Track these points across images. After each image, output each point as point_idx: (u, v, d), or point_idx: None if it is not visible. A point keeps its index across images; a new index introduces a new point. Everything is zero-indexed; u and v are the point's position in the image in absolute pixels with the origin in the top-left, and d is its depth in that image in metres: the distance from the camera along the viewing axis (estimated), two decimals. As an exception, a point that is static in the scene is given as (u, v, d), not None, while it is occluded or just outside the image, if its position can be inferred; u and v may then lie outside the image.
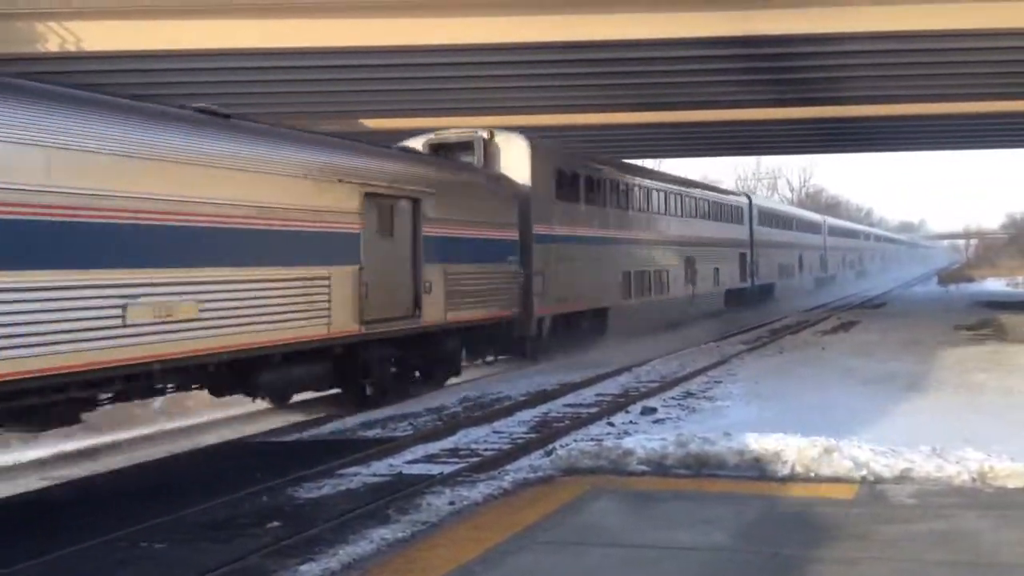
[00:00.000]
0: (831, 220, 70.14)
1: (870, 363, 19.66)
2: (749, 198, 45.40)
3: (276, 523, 9.32)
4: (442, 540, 8.24)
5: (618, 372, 20.12)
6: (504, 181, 21.04)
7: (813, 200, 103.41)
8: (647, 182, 30.52)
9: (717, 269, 36.64)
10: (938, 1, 20.50)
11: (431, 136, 21.73)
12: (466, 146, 21.47)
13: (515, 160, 21.64)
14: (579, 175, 24.86)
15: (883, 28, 21.16)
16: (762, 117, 33.68)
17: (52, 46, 19.79)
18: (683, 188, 34.59)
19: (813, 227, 59.58)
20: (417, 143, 21.28)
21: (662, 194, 31.41)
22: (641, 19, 21.01)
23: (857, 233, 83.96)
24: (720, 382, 18.69)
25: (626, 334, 25.52)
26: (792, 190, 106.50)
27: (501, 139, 21.74)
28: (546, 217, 22.50)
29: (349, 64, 22.68)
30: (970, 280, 67.98)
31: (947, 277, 71.08)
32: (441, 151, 21.27)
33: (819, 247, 60.46)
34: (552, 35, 21.25)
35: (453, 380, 18.75)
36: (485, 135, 21.60)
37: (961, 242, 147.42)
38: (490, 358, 20.74)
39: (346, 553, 8.08)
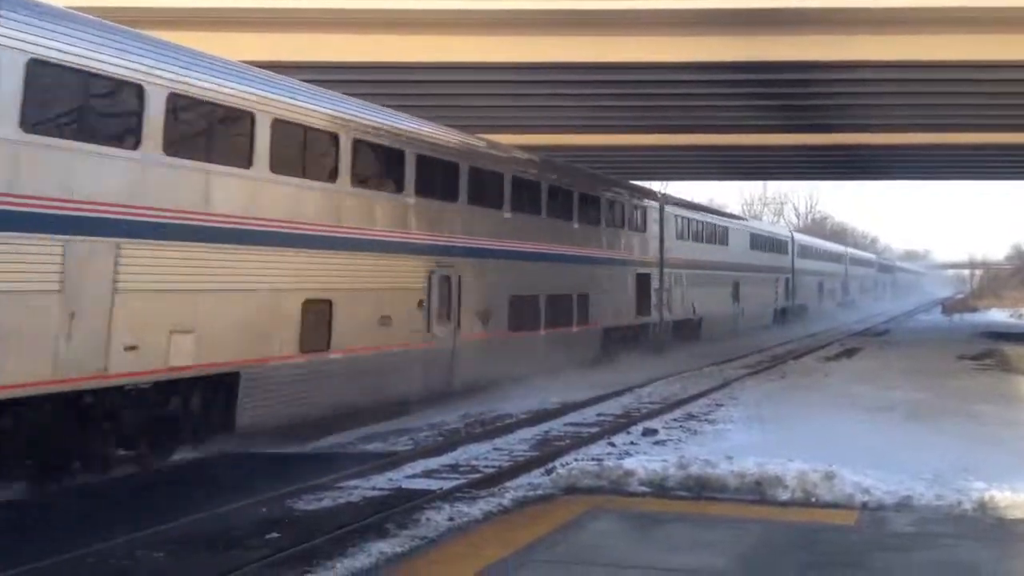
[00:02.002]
0: (851, 251, 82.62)
1: (872, 390, 19.61)
2: (792, 234, 56.92)
3: (275, 534, 9.32)
4: (440, 556, 8.23)
5: (619, 393, 20.09)
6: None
7: (818, 227, 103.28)
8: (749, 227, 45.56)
9: (773, 289, 48.14)
10: (948, 32, 20.55)
11: None
12: None
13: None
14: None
15: (893, 58, 21.19)
16: (770, 143, 33.73)
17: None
18: (756, 228, 47.48)
19: (838, 258, 71.98)
20: None
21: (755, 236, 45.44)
22: (653, 43, 21.06)
23: (872, 263, 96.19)
24: (722, 405, 18.67)
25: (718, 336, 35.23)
26: (798, 216, 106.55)
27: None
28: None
29: (361, 80, 22.75)
30: (974, 310, 67.85)
31: (951, 307, 70.94)
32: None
33: (841, 275, 72.23)
34: (564, 56, 21.29)
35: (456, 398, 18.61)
36: None
37: (965, 272, 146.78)
38: None
39: (344, 566, 8.07)
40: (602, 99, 26.35)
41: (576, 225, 23.33)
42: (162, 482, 11.55)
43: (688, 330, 32.67)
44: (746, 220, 50.99)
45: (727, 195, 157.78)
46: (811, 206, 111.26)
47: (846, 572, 7.60)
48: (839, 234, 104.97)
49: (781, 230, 57.23)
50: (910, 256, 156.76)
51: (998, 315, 62.53)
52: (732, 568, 7.70)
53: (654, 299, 28.99)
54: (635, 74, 23.10)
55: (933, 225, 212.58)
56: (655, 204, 30.60)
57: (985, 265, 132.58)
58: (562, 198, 22.84)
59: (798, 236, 58.60)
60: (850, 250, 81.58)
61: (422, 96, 24.86)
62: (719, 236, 40.59)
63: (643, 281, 28.10)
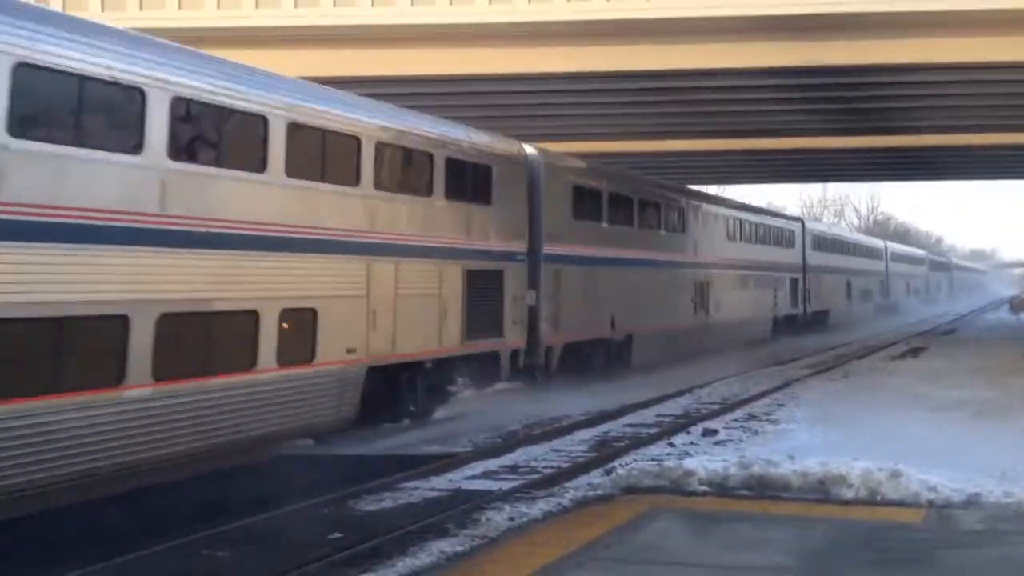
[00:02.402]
0: (931, 256, 76.89)
1: (938, 389, 19.29)
2: (802, 221, 45.79)
3: (337, 534, 9.37)
4: (501, 555, 8.23)
5: (680, 393, 19.97)
6: None
7: (881, 228, 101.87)
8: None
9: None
10: (1002, 34, 20.27)
11: None
12: None
13: None
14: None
15: (947, 60, 21.12)
16: (829, 145, 33.46)
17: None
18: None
19: (873, 253, 59.07)
20: None
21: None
22: (708, 50, 21.15)
23: (921, 260, 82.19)
24: (783, 405, 18.47)
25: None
26: (859, 217, 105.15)
27: None
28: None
29: (402, 92, 22.87)
30: (1042, 309, 66.34)
31: (1018, 305, 69.44)
32: None
33: (880, 273, 60.35)
34: (623, 65, 21.46)
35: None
36: None
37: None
38: None
39: (405, 565, 8.11)
40: (659, 106, 26.45)
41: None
42: (224, 482, 11.67)
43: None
44: (855, 233, 43.60)
45: (787, 197, 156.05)
46: (873, 207, 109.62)
47: (913, 569, 7.47)
48: (902, 235, 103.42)
49: (788, 218, 43.27)
50: (976, 256, 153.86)
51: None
52: (796, 566, 7.60)
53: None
54: (691, 80, 23.24)
55: (1000, 224, 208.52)
56: None
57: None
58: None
59: (811, 224, 45.44)
60: (890, 245, 67.36)
61: (476, 107, 25.03)
62: (838, 248, 39.69)
63: None
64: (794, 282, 38.65)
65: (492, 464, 12.86)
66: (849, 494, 9.89)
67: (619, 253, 22.57)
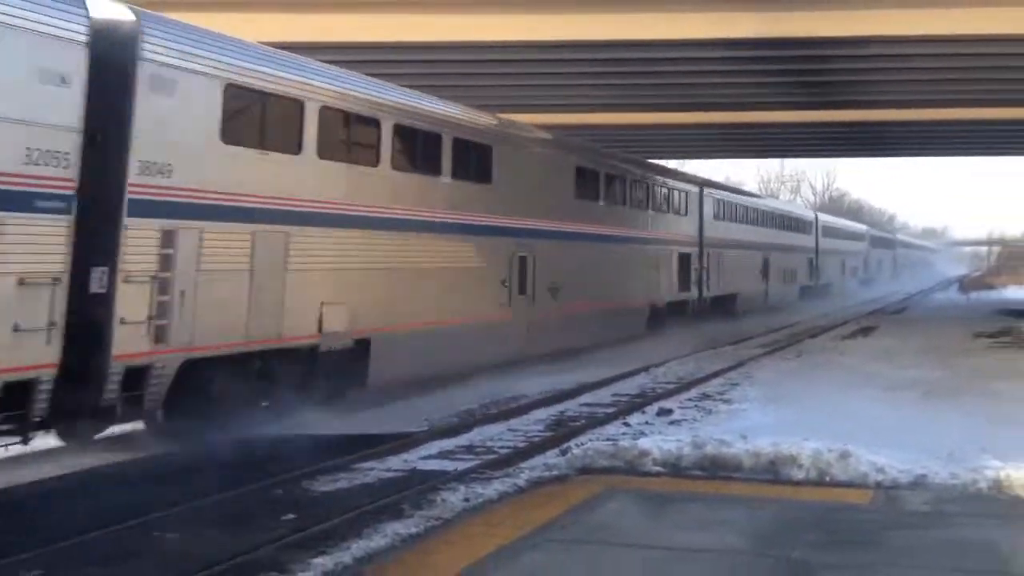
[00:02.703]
0: (872, 231, 78.55)
1: (888, 369, 19.56)
2: (816, 215, 54.73)
3: (291, 515, 9.37)
4: (455, 536, 8.26)
5: (635, 372, 20.08)
6: None
7: (835, 204, 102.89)
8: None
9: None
10: (964, 5, 20.38)
11: None
12: None
13: None
14: None
15: (909, 32, 21.04)
16: (786, 120, 33.59)
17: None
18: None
19: (859, 237, 68.02)
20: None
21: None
22: (669, 19, 20.99)
23: (893, 243, 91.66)
24: (737, 384, 18.65)
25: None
26: (815, 193, 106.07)
27: None
28: None
29: (375, 60, 22.73)
30: (991, 288, 67.39)
31: (968, 284, 70.45)
32: None
33: (863, 253, 69.21)
34: (579, 34, 21.27)
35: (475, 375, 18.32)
36: None
37: (983, 249, 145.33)
38: None
39: (359, 547, 8.11)
40: (617, 77, 26.30)
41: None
42: (174, 463, 11.59)
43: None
44: (773, 200, 48.61)
45: (744, 173, 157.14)
46: (828, 184, 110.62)
47: (860, 550, 7.59)
48: (855, 212, 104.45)
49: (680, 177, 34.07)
50: (928, 234, 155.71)
51: (1016, 293, 62.10)
52: (747, 546, 7.70)
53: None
54: (650, 52, 23.03)
55: (952, 203, 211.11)
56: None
57: (1003, 242, 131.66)
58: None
59: (712, 190, 36.98)
60: (823, 217, 59.81)
61: (439, 76, 24.85)
62: (751, 218, 38.69)
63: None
64: (684, 259, 30.71)
65: (448, 444, 12.89)
66: (800, 475, 10.04)
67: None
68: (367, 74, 16.47)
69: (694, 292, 31.31)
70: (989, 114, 32.02)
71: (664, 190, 29.34)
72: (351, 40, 21.22)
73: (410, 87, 17.82)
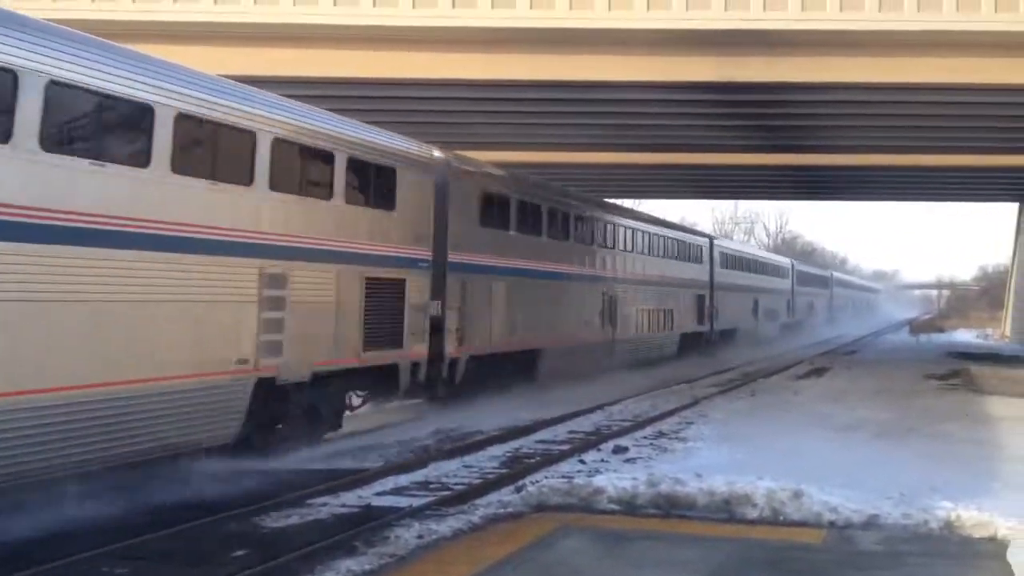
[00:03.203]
0: (836, 274, 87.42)
1: (841, 409, 19.73)
2: (792, 263, 58.87)
3: (241, 551, 9.23)
4: (409, 573, 8.19)
5: (591, 410, 20.09)
6: None
7: (788, 246, 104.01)
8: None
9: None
10: (916, 56, 20.81)
11: None
12: None
13: None
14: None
15: (861, 79, 21.43)
16: (741, 162, 34.07)
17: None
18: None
19: (825, 281, 74.46)
20: None
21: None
22: (624, 62, 21.20)
23: (853, 285, 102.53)
24: (692, 423, 18.72)
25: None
26: (768, 235, 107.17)
27: None
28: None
29: (317, 95, 22.67)
30: (940, 331, 68.40)
31: (918, 327, 71.46)
32: None
33: (828, 295, 75.95)
34: (537, 74, 21.43)
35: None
36: None
37: (933, 292, 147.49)
38: None
39: (312, 584, 8.01)
40: (575, 117, 26.54)
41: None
42: (122, 495, 11.38)
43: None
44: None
45: (698, 214, 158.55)
46: (781, 225, 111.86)
47: (814, 591, 7.63)
48: (808, 254, 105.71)
49: (697, 233, 41.70)
50: (878, 276, 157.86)
51: (965, 335, 63.07)
52: (701, 586, 7.71)
53: None
54: (606, 93, 23.27)
55: (903, 246, 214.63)
56: None
57: (952, 286, 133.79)
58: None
59: (720, 241, 44.95)
60: (835, 273, 69.62)
61: (391, 112, 24.88)
62: (745, 265, 43.19)
63: None
64: (700, 299, 37.08)
65: (403, 480, 12.78)
66: (753, 514, 10.06)
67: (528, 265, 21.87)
68: (328, 110, 16.41)
69: (707, 325, 38.09)
70: (937, 161, 32.68)
71: (687, 244, 36.34)
72: (312, 75, 21.24)
73: (371, 123, 17.77)
